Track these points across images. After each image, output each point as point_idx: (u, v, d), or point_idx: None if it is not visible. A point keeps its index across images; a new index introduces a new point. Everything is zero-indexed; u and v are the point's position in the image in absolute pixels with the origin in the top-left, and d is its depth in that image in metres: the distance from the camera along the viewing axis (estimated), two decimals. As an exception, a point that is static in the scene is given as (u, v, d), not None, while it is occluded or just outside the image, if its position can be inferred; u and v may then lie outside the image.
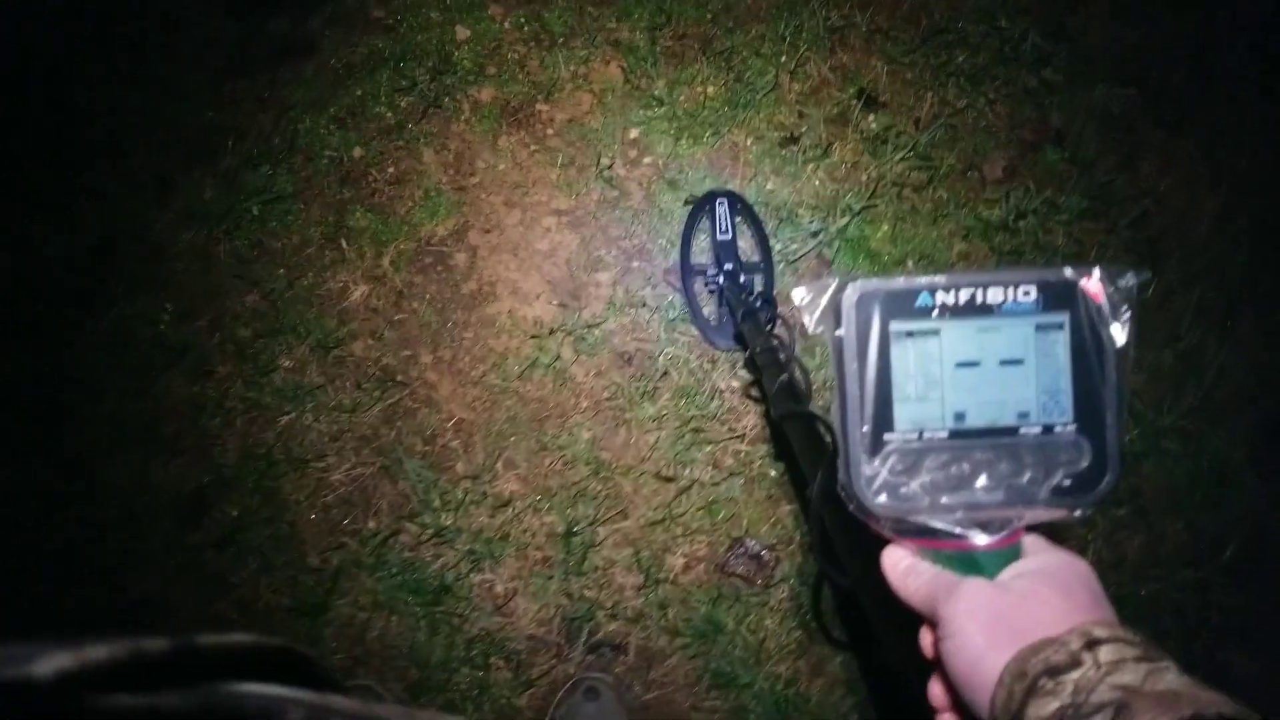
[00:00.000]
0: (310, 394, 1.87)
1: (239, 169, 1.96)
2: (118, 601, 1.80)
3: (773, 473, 1.84)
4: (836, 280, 0.58)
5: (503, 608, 1.80)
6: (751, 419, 1.87)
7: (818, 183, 1.97)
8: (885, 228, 1.95)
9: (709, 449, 1.85)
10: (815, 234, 1.93)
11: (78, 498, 1.84)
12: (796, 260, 1.92)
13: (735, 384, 1.88)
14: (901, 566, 0.60)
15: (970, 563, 0.59)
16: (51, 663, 0.31)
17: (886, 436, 0.58)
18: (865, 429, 0.58)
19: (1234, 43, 2.04)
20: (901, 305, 0.57)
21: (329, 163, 1.97)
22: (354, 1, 2.05)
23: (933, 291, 0.57)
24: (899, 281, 0.57)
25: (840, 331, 0.58)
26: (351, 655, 1.78)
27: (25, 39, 2.02)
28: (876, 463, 0.58)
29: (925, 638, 0.60)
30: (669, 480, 1.84)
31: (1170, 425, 1.88)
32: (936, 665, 0.58)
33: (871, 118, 2.00)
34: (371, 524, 1.83)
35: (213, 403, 1.87)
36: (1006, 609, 0.53)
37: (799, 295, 0.60)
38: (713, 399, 1.87)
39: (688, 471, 1.85)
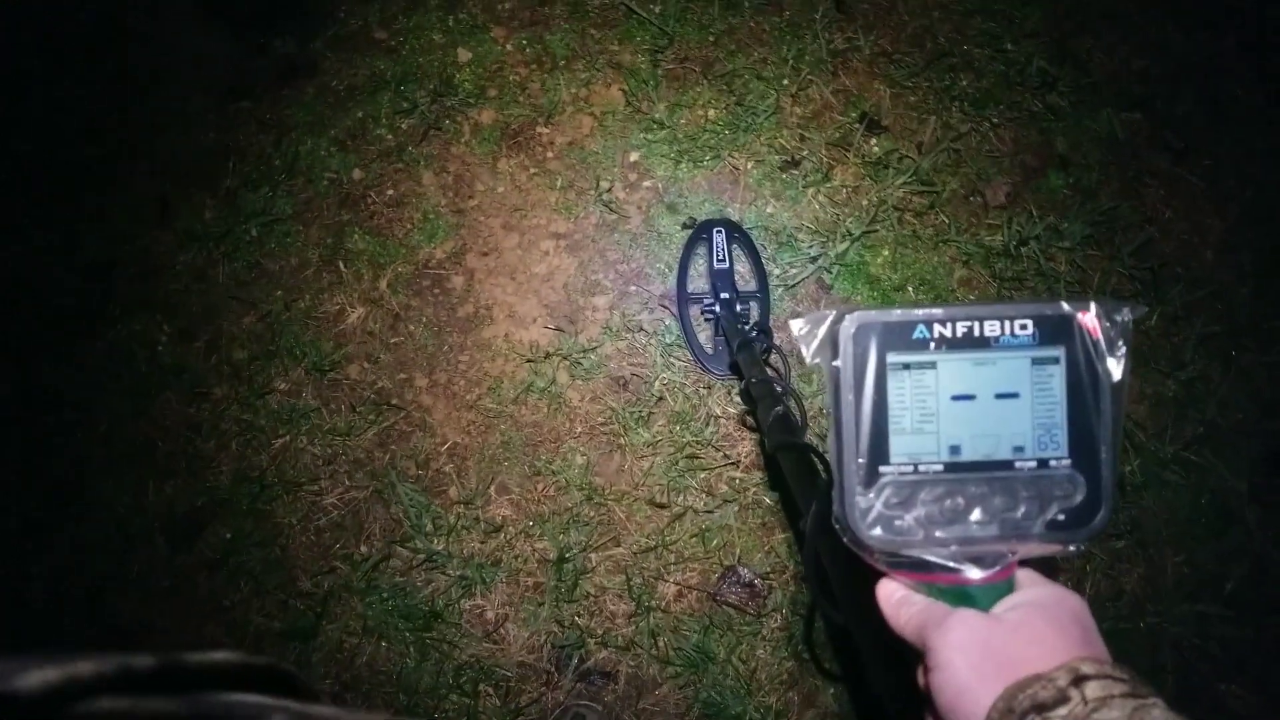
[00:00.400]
0: (305, 417, 1.87)
1: (239, 190, 1.97)
2: (106, 624, 1.81)
3: (767, 500, 1.83)
4: (834, 311, 0.58)
5: (493, 634, 1.79)
6: (747, 445, 1.85)
7: (818, 207, 1.96)
8: (885, 253, 1.94)
9: (703, 475, 1.84)
10: (814, 259, 1.92)
11: (68, 518, 1.85)
12: (795, 285, 1.91)
13: (731, 409, 1.87)
14: (895, 598, 0.60)
15: (964, 596, 0.58)
16: (37, 677, 0.31)
17: (881, 469, 0.57)
18: (860, 461, 0.57)
19: (1240, 70, 2.01)
20: (899, 337, 0.57)
21: (329, 184, 1.97)
22: (356, 23, 2.05)
23: (929, 324, 0.57)
24: (896, 313, 0.57)
25: (837, 362, 0.57)
26: (340, 681, 1.78)
27: (23, 61, 2.04)
28: (871, 495, 0.57)
29: (921, 675, 0.59)
30: (662, 507, 1.83)
31: (1172, 456, 1.85)
32: (926, 699, 0.57)
33: (873, 141, 1.99)
34: (363, 548, 1.83)
35: (208, 424, 1.88)
36: (996, 642, 0.52)
37: (797, 326, 0.60)
38: (708, 425, 1.86)
39: (681, 498, 1.84)
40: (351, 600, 1.81)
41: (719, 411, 1.87)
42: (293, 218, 1.96)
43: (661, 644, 1.78)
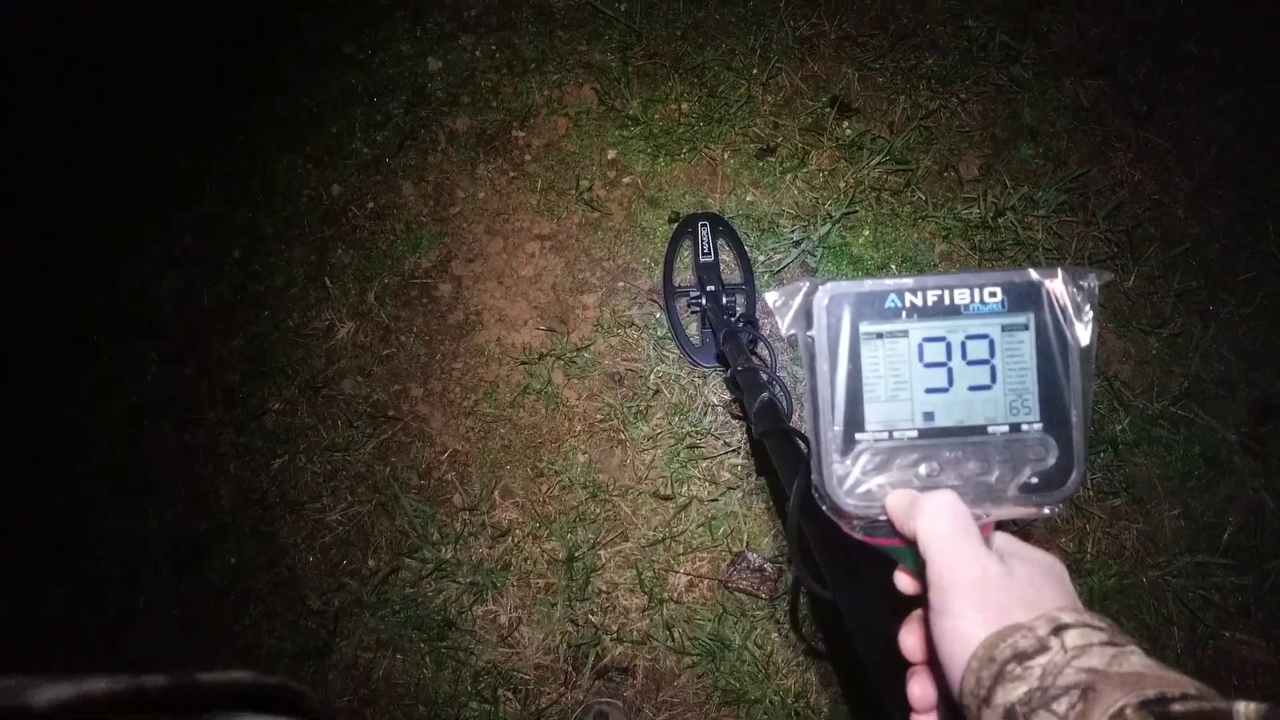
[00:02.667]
0: (302, 435, 1.86)
1: (217, 213, 1.95)
2: (118, 656, 1.78)
3: (771, 484, 1.84)
4: (808, 283, 0.59)
5: (508, 638, 1.79)
6: (746, 432, 1.87)
7: (797, 192, 1.98)
8: (866, 233, 1.96)
9: (705, 464, 1.85)
10: (797, 243, 1.94)
11: (74, 551, 1.82)
12: (780, 271, 1.93)
13: (728, 397, 1.88)
14: (905, 503, 0.59)
15: None
16: (50, 693, 0.31)
17: (858, 436, 0.59)
18: (837, 429, 0.58)
19: (1196, 28, 2.06)
20: (871, 307, 0.58)
21: (308, 201, 1.97)
22: (322, 38, 2.05)
23: (901, 293, 0.58)
24: (868, 283, 0.58)
25: (812, 333, 0.59)
26: (358, 696, 1.77)
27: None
28: (848, 462, 0.58)
29: (902, 581, 0.61)
30: (667, 499, 1.84)
31: (1160, 412, 1.89)
32: (925, 606, 0.57)
33: (846, 124, 2.01)
34: (371, 563, 1.82)
35: (204, 449, 1.86)
36: (998, 576, 0.52)
37: (772, 298, 0.60)
38: (706, 414, 1.87)
39: (685, 489, 1.85)
40: (363, 615, 1.79)
41: (716, 400, 1.88)
42: (274, 237, 1.95)
43: (677, 635, 1.79)
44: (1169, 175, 2.01)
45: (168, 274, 1.92)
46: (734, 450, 1.85)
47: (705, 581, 1.82)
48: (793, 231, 1.95)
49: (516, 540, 1.83)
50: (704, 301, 1.84)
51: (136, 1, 2.03)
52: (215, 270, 1.93)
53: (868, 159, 1.98)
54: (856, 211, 1.96)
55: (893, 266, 1.95)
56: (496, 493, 1.85)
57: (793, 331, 0.60)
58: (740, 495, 1.84)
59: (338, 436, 1.86)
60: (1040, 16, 2.08)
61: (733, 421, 1.87)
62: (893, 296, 0.58)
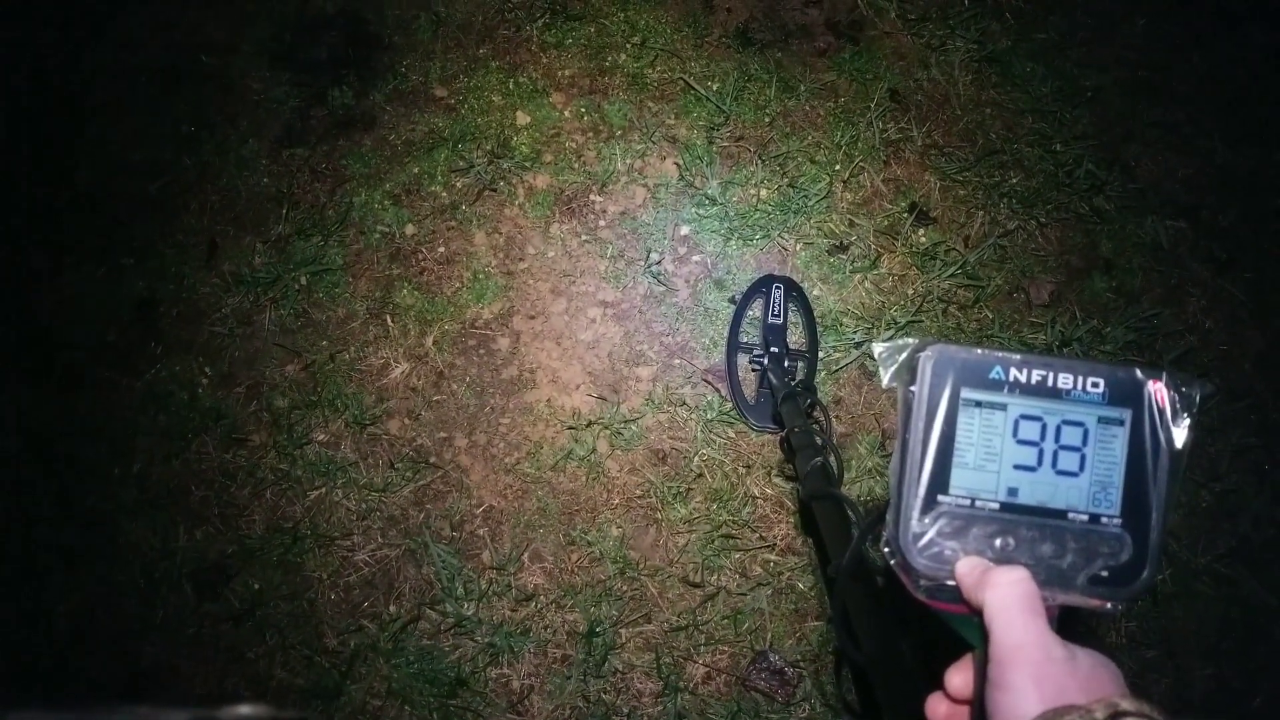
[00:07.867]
0: (342, 470, 1.85)
1: (290, 238, 1.97)
2: (127, 668, 1.77)
3: (801, 585, 1.82)
4: (916, 340, 0.61)
5: (517, 705, 1.77)
6: (783, 529, 1.85)
7: (864, 293, 1.97)
8: (929, 344, 1.94)
9: (738, 556, 1.83)
10: (858, 345, 1.93)
11: (97, 557, 1.82)
12: (838, 370, 1.92)
13: (770, 490, 1.86)
14: (976, 571, 0.59)
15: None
16: None
17: (940, 498, 0.59)
18: (921, 487, 0.59)
19: (1287, 186, 2.05)
20: (975, 374, 0.59)
21: (380, 238, 1.98)
22: (417, 79, 2.07)
23: (1006, 367, 0.59)
24: (977, 352, 0.60)
25: (913, 388, 0.60)
26: (361, 744, 1.75)
27: (83, 92, 2.05)
28: (926, 521, 0.59)
29: (955, 682, 0.60)
30: (696, 586, 1.82)
31: (1204, 567, 1.86)
32: (977, 677, 0.57)
33: (922, 232, 2.01)
34: (392, 608, 1.81)
35: (243, 472, 1.86)
36: (1060, 660, 0.52)
37: (878, 349, 0.63)
38: (745, 505, 1.85)
39: (715, 578, 1.83)
40: (377, 661, 1.78)
41: (757, 492, 1.86)
42: (343, 269, 1.96)
43: (687, 727, 1.76)
44: (1241, 329, 1.99)
45: (233, 292, 1.93)
46: (769, 546, 1.83)
47: (723, 676, 1.79)
48: (855, 332, 1.94)
49: (539, 606, 1.81)
50: (766, 361, 1.84)
51: (246, 31, 2.07)
52: (280, 294, 1.94)
53: (940, 270, 1.97)
54: (921, 321, 1.95)
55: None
56: (526, 555, 1.84)
57: (893, 384, 0.61)
58: (770, 593, 1.81)
59: (377, 476, 1.86)
60: (1129, 150, 2.08)
61: (771, 516, 1.85)
62: (998, 368, 0.59)
